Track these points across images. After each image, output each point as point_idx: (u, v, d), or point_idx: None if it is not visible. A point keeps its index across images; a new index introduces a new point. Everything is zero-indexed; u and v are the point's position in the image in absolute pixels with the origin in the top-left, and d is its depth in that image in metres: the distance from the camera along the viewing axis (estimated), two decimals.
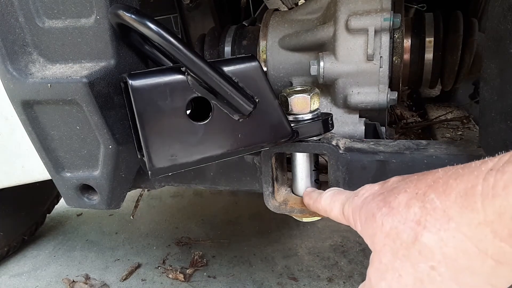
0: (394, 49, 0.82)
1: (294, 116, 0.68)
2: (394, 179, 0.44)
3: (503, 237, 0.30)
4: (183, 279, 1.38)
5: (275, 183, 0.73)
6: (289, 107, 0.67)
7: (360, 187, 0.70)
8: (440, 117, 1.20)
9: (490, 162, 0.32)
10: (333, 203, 0.54)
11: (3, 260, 1.58)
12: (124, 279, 1.42)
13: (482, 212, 0.31)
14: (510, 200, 0.29)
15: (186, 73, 0.55)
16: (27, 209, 1.63)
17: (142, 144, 0.55)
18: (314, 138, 0.68)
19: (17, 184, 0.84)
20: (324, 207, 0.57)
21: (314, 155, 0.72)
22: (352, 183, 0.69)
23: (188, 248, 1.59)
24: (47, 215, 1.77)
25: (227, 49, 0.98)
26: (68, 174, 0.70)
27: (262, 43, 0.87)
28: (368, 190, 0.48)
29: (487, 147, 0.61)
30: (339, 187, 0.69)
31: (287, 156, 0.77)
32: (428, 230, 0.35)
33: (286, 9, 1.04)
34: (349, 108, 0.80)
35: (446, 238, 0.33)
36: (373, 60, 0.73)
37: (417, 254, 0.35)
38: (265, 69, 0.87)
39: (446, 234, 0.33)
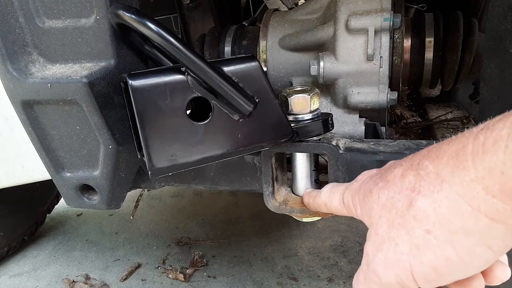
0: (394, 49, 0.82)
1: (294, 116, 0.68)
2: (390, 162, 0.44)
3: (494, 192, 0.30)
4: (183, 279, 1.38)
5: (275, 183, 0.73)
6: (289, 107, 0.67)
7: None
8: (440, 117, 1.20)
9: (481, 125, 0.33)
10: (332, 195, 0.54)
11: (3, 260, 1.58)
12: (124, 279, 1.42)
13: (473, 170, 0.31)
14: (499, 155, 0.29)
15: (186, 73, 0.55)
16: (27, 209, 1.63)
17: (142, 144, 0.55)
18: (314, 138, 0.68)
19: (17, 184, 0.84)
20: (324, 201, 0.56)
21: (314, 155, 0.72)
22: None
23: (188, 248, 1.59)
24: (47, 215, 1.77)
25: (227, 49, 0.98)
26: (68, 174, 0.70)
27: (262, 43, 0.87)
28: (366, 174, 0.48)
29: None
30: None
31: (287, 156, 0.77)
32: (422, 194, 0.35)
33: (286, 9, 1.04)
34: (349, 108, 0.80)
35: (439, 199, 0.33)
36: (373, 60, 0.73)
37: (412, 219, 0.35)
38: (265, 69, 0.87)
39: (440, 195, 0.33)
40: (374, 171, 0.47)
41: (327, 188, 0.57)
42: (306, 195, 0.67)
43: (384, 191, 0.39)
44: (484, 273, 0.38)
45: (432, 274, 0.34)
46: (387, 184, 0.39)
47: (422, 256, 0.35)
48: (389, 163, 0.44)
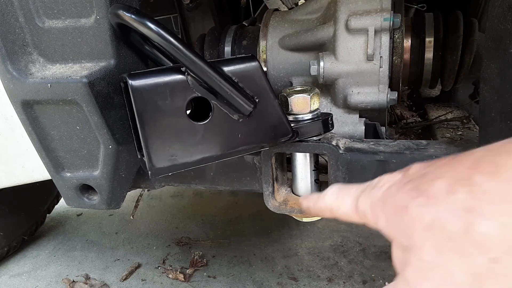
0: (394, 49, 0.82)
1: (294, 116, 0.68)
2: (416, 166, 0.39)
3: None
4: (183, 279, 1.38)
5: (275, 183, 0.73)
6: (289, 107, 0.67)
7: None
8: (440, 117, 1.20)
9: None
10: (341, 199, 0.48)
11: (3, 260, 1.58)
12: (124, 279, 1.42)
13: None
14: None
15: (186, 73, 0.55)
16: (27, 209, 1.63)
17: (142, 144, 0.55)
18: (314, 138, 0.68)
19: (17, 184, 0.84)
20: (330, 205, 0.50)
21: (314, 155, 0.72)
22: (352, 183, 0.69)
23: (188, 248, 1.59)
24: (47, 215, 1.77)
25: (227, 49, 0.98)
26: (68, 174, 0.70)
27: (262, 43, 0.87)
28: (389, 180, 0.41)
29: None
30: None
31: (287, 156, 0.77)
32: (484, 217, 0.30)
33: (286, 9, 1.04)
34: (349, 108, 0.80)
35: (509, 223, 0.29)
36: (373, 60, 0.73)
37: (471, 246, 0.30)
38: (265, 69, 0.87)
39: (508, 219, 0.29)
40: (397, 176, 0.41)
41: (332, 190, 0.51)
42: (304, 199, 0.61)
43: (427, 209, 0.34)
44: None
45: None
46: (430, 200, 0.34)
47: None
48: (414, 167, 0.39)
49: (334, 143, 0.67)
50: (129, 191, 0.78)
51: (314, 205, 0.54)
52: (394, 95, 0.76)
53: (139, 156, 0.64)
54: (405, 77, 0.92)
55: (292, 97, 0.67)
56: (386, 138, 0.84)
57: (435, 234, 0.33)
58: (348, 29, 0.73)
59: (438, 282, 0.32)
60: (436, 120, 1.18)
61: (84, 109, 0.61)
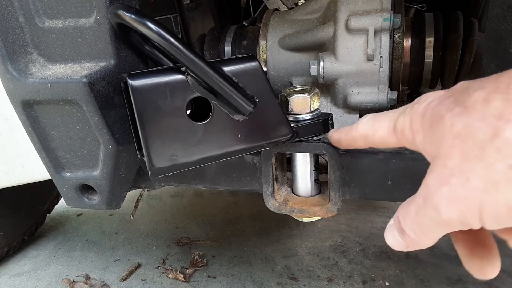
0: (394, 49, 0.82)
1: (294, 116, 0.68)
2: (462, 83, 0.37)
3: None
4: (183, 279, 1.38)
5: (275, 183, 0.73)
6: (289, 107, 0.67)
7: (360, 187, 0.70)
8: None
9: None
10: (377, 123, 0.46)
11: (3, 260, 1.58)
12: (124, 279, 1.42)
13: None
14: None
15: (186, 73, 0.55)
16: (27, 209, 1.63)
17: (142, 144, 0.55)
18: (314, 138, 0.68)
19: (17, 184, 0.84)
20: (364, 132, 0.48)
21: (314, 155, 0.72)
22: (352, 183, 0.69)
23: (188, 248, 1.59)
24: (47, 215, 1.77)
25: (227, 49, 0.98)
26: (68, 174, 0.70)
27: (262, 43, 0.87)
28: (432, 95, 0.40)
29: None
30: (339, 187, 0.69)
31: (287, 156, 0.77)
32: None
33: (286, 9, 1.04)
34: (349, 108, 0.80)
35: None
36: (373, 60, 0.73)
37: (495, 152, 0.30)
38: (265, 69, 0.87)
39: None
40: (441, 92, 0.39)
41: (366, 118, 0.49)
42: (334, 132, 0.58)
43: (460, 118, 0.33)
44: None
45: (506, 214, 0.30)
46: (466, 110, 0.33)
47: (498, 194, 0.30)
48: (462, 83, 0.37)
49: None
50: (129, 191, 0.78)
51: (347, 135, 0.53)
52: (394, 95, 0.76)
53: (139, 156, 0.64)
54: (405, 77, 0.92)
55: (292, 97, 0.67)
56: None
57: (463, 141, 0.33)
58: (348, 29, 0.73)
59: (455, 187, 0.33)
60: None
61: (84, 109, 0.61)
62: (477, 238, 0.40)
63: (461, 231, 0.41)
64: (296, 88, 0.69)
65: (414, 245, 0.39)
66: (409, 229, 0.38)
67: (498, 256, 0.40)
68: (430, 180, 0.36)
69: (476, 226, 0.32)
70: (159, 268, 1.47)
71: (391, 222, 0.41)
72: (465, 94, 0.34)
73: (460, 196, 0.32)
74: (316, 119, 0.67)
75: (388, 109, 0.83)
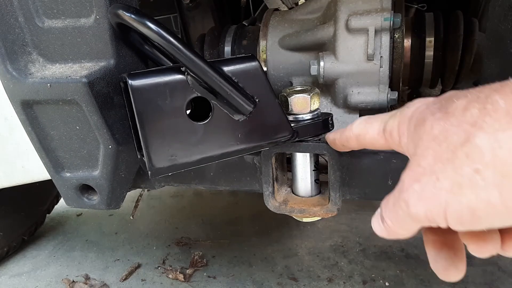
0: (395, 49, 0.82)
1: (294, 116, 0.68)
2: (451, 92, 0.39)
3: None
4: (183, 279, 1.38)
5: (275, 183, 0.73)
6: (289, 107, 0.67)
7: (360, 187, 0.70)
8: None
9: None
10: (369, 125, 0.49)
11: (3, 261, 1.57)
12: (124, 279, 1.41)
13: None
14: None
15: (186, 73, 0.54)
16: (26, 209, 1.63)
17: (142, 144, 0.55)
18: (314, 138, 0.68)
19: (17, 184, 0.84)
20: (357, 132, 0.51)
21: (314, 155, 0.72)
22: (352, 183, 0.69)
23: (188, 248, 1.59)
24: (47, 215, 1.77)
25: (227, 49, 0.98)
26: (68, 174, 0.70)
27: (262, 43, 0.87)
28: (421, 101, 0.42)
29: None
30: (339, 187, 0.69)
31: (287, 156, 0.77)
32: (484, 130, 0.31)
33: (286, 9, 1.04)
34: (349, 108, 0.80)
35: (503, 139, 0.30)
36: (373, 60, 0.73)
37: (464, 156, 0.32)
38: (265, 69, 0.87)
39: (504, 135, 0.30)
40: (431, 99, 0.41)
41: (359, 120, 0.52)
42: (330, 133, 0.62)
43: (439, 122, 0.35)
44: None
45: (468, 216, 0.32)
46: (446, 115, 0.35)
47: (462, 196, 0.32)
48: (450, 92, 0.39)
49: None
50: (129, 191, 0.78)
51: (341, 135, 0.56)
52: (394, 95, 0.76)
53: (139, 156, 0.64)
54: (405, 77, 0.92)
55: (292, 97, 0.67)
56: None
57: (438, 144, 0.35)
58: (348, 29, 0.73)
59: (425, 185, 0.35)
60: None
61: (84, 109, 0.61)
62: (446, 240, 0.42)
63: (431, 232, 0.44)
64: (296, 88, 0.69)
65: (393, 234, 0.42)
66: (388, 218, 0.41)
67: (463, 260, 0.41)
68: (405, 176, 0.38)
69: (442, 224, 0.34)
70: (159, 268, 1.47)
71: (378, 209, 0.44)
72: (449, 101, 0.37)
73: (428, 194, 0.34)
74: (316, 119, 0.67)
75: (389, 109, 0.83)
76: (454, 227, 0.33)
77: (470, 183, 0.31)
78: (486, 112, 0.32)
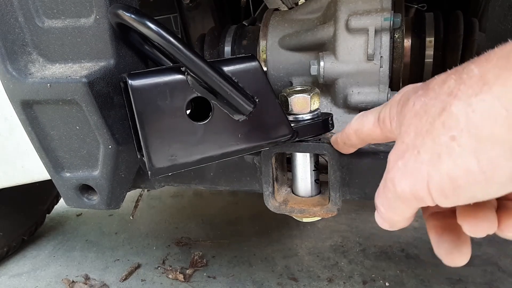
0: (395, 49, 0.82)
1: (294, 116, 0.68)
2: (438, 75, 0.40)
3: None
4: (183, 280, 1.38)
5: (275, 183, 0.73)
6: (289, 107, 0.67)
7: (360, 187, 0.70)
8: None
9: None
10: (365, 118, 0.49)
11: (3, 261, 1.57)
12: (124, 279, 1.41)
13: None
14: None
15: (186, 73, 0.54)
16: (26, 209, 1.63)
17: (142, 144, 0.54)
18: (314, 138, 0.68)
19: (17, 184, 0.84)
20: (355, 127, 0.52)
21: (314, 155, 0.72)
22: (352, 184, 0.69)
23: (188, 248, 1.59)
24: (47, 215, 1.77)
25: (227, 49, 0.98)
26: (68, 174, 0.70)
27: (262, 43, 0.87)
28: (410, 86, 0.43)
29: None
30: (339, 187, 0.69)
31: (287, 156, 0.77)
32: (459, 98, 0.31)
33: (286, 8, 1.04)
34: (349, 108, 0.80)
35: (475, 103, 0.30)
36: (373, 60, 0.73)
37: (441, 126, 0.32)
38: (265, 69, 0.87)
39: (476, 99, 0.30)
40: (419, 84, 0.42)
41: (357, 115, 0.53)
42: (333, 138, 0.63)
43: (421, 98, 0.36)
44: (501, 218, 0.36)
45: (449, 186, 0.32)
46: (427, 91, 0.36)
47: (441, 165, 0.32)
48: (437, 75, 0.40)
49: None
50: (129, 191, 0.78)
51: (341, 134, 0.57)
52: (394, 95, 0.76)
53: (138, 156, 0.64)
54: (405, 77, 0.92)
55: (292, 97, 0.67)
56: None
57: (418, 119, 0.35)
58: (348, 29, 0.73)
59: (407, 161, 0.35)
60: None
61: (84, 109, 0.61)
62: (447, 224, 0.42)
63: (432, 217, 0.43)
64: (296, 88, 0.69)
65: (389, 222, 0.41)
66: (380, 204, 0.40)
67: (467, 244, 0.40)
68: (390, 156, 0.38)
69: (428, 200, 0.34)
70: (159, 268, 1.47)
71: None
72: (432, 79, 0.37)
73: (411, 169, 0.34)
74: (316, 119, 0.67)
75: None
76: (440, 201, 0.33)
77: (447, 151, 0.31)
78: (462, 81, 0.32)
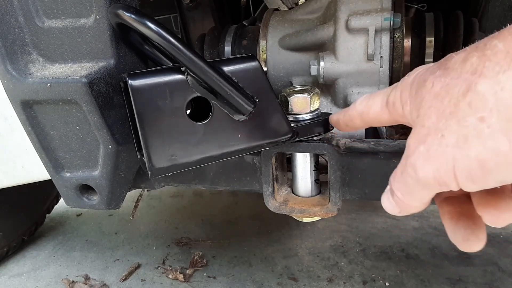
0: (395, 49, 0.82)
1: (294, 116, 0.68)
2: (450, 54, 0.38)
3: None
4: (183, 280, 1.38)
5: (275, 183, 0.73)
6: (289, 107, 0.67)
7: (360, 187, 0.70)
8: None
9: None
10: (372, 101, 0.47)
11: (3, 261, 1.57)
12: (124, 280, 1.41)
13: None
14: None
15: (186, 73, 0.54)
16: (26, 209, 1.63)
17: (142, 144, 0.54)
18: (314, 138, 0.68)
19: (17, 184, 0.84)
20: (360, 110, 0.49)
21: (314, 155, 0.72)
22: (352, 184, 0.69)
23: (188, 248, 1.59)
24: (47, 215, 1.77)
25: (227, 49, 0.98)
26: (68, 174, 0.70)
27: (262, 43, 0.87)
28: (421, 67, 0.41)
29: None
30: (339, 187, 0.69)
31: (287, 156, 0.77)
32: (485, 76, 0.29)
33: (286, 8, 1.04)
34: None
35: (504, 80, 0.28)
36: (373, 60, 0.73)
37: (467, 107, 0.30)
38: (265, 69, 0.87)
39: (505, 76, 0.28)
40: (431, 64, 0.40)
41: (362, 97, 0.50)
42: (333, 115, 0.59)
43: (440, 79, 0.34)
44: None
45: (478, 170, 0.30)
46: (446, 71, 0.34)
47: (469, 149, 0.30)
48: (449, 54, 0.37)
49: (334, 143, 0.67)
50: (129, 191, 0.78)
51: (344, 115, 0.54)
52: None
53: (139, 156, 0.64)
54: None
55: (292, 97, 0.67)
56: (387, 138, 0.84)
57: (440, 100, 0.33)
58: (348, 28, 0.72)
59: (431, 145, 0.33)
60: None
61: (84, 109, 0.61)
62: (462, 210, 0.41)
63: (446, 203, 0.42)
64: (296, 88, 0.69)
65: (405, 208, 0.39)
66: (397, 189, 0.38)
67: (483, 228, 0.39)
68: (410, 140, 0.36)
69: (452, 185, 0.32)
70: (159, 268, 1.47)
71: (387, 187, 0.41)
72: (449, 58, 0.35)
73: (434, 153, 0.33)
74: (316, 119, 0.67)
75: None
76: (466, 186, 0.32)
77: (475, 133, 0.29)
78: (486, 58, 0.30)
